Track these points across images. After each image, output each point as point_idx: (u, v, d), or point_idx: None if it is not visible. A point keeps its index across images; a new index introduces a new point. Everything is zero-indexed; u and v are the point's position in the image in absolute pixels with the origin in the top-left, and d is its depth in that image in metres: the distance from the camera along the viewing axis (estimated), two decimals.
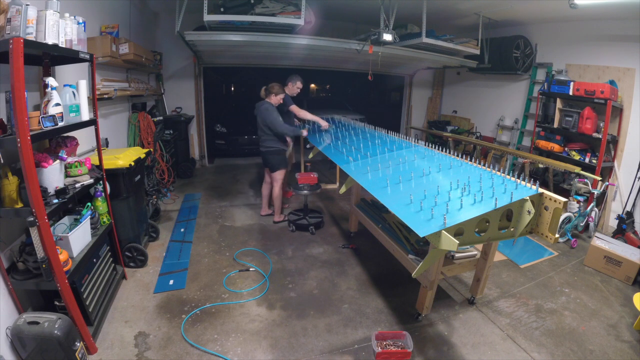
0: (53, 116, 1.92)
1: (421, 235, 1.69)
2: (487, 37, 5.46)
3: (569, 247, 3.89)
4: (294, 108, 4.22)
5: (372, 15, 4.77)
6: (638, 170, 4.01)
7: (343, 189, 3.30)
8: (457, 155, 2.74)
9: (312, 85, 14.31)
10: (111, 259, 2.75)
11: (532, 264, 3.51)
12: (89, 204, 2.49)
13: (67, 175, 2.21)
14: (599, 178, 3.97)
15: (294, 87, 4.22)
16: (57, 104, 1.96)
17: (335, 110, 7.16)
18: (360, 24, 6.17)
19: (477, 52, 5.35)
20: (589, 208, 3.95)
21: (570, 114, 4.55)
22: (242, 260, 3.39)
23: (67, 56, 2.08)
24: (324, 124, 4.11)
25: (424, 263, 1.99)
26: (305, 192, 4.00)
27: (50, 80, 1.95)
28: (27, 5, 1.68)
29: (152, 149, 4.55)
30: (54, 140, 2.33)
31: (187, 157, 6.30)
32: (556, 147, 4.75)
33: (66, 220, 2.32)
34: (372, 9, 4.61)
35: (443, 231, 1.67)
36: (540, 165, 4.67)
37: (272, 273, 3.19)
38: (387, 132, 3.73)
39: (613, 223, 4.27)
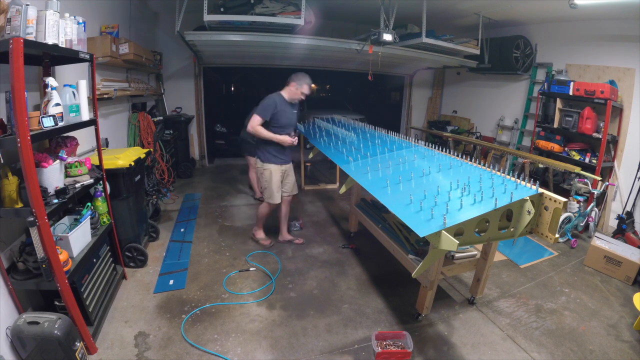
0: (53, 116, 1.91)
1: (421, 235, 1.68)
2: (487, 37, 5.47)
3: (569, 247, 3.89)
4: (255, 120, 3.10)
5: (372, 15, 4.77)
6: (638, 170, 4.01)
7: (343, 189, 3.30)
8: (457, 155, 2.73)
9: (312, 85, 14.31)
10: (111, 259, 2.75)
11: (532, 264, 3.51)
12: (89, 204, 2.49)
13: (67, 175, 2.21)
14: (599, 178, 3.97)
15: (297, 90, 3.19)
16: (57, 104, 1.96)
17: (335, 110, 7.16)
18: (360, 24, 6.17)
19: (477, 52, 5.35)
20: (589, 208, 3.95)
21: (570, 114, 4.55)
22: (253, 261, 3.39)
23: (67, 56, 2.08)
24: (287, 140, 3.23)
25: (424, 263, 1.99)
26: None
27: (50, 80, 1.95)
28: (27, 5, 1.68)
29: (152, 149, 4.55)
30: (54, 140, 2.33)
31: (187, 157, 6.30)
32: (556, 147, 4.75)
33: (66, 220, 2.32)
34: (372, 9, 4.62)
35: (443, 231, 1.67)
36: (540, 165, 4.67)
37: (274, 273, 3.18)
38: (387, 132, 3.72)
39: (613, 223, 4.27)
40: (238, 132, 7.91)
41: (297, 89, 3.20)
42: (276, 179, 3.34)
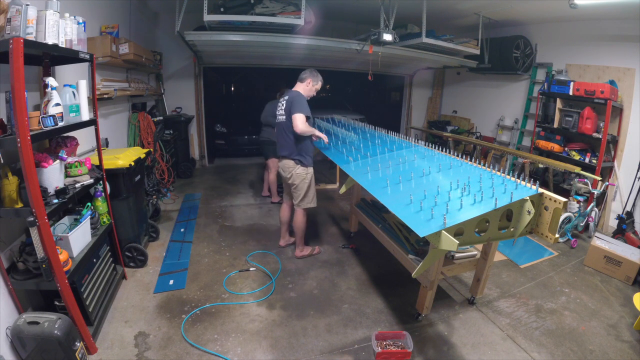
0: (53, 116, 1.91)
1: (421, 235, 1.69)
2: (487, 37, 5.46)
3: (569, 247, 3.89)
4: (303, 119, 2.96)
5: (372, 15, 4.77)
6: (638, 170, 4.01)
7: (343, 189, 3.30)
8: (457, 155, 2.74)
9: None
10: (111, 259, 2.75)
11: (532, 264, 3.51)
12: (89, 204, 2.49)
13: (67, 175, 2.21)
14: (599, 178, 3.97)
15: (313, 87, 3.17)
16: (57, 104, 1.96)
17: (335, 110, 7.16)
18: (360, 24, 6.17)
19: (477, 52, 5.35)
20: (589, 208, 3.95)
21: (570, 114, 4.55)
22: (253, 261, 3.39)
23: (67, 56, 2.08)
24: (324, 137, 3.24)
25: (424, 263, 1.99)
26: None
27: (50, 80, 1.95)
28: (27, 5, 1.68)
29: (152, 149, 4.55)
30: (54, 140, 2.33)
31: (187, 157, 6.30)
32: (556, 147, 4.75)
33: (66, 220, 2.32)
34: (372, 9, 4.61)
35: (443, 231, 1.67)
36: (540, 165, 4.67)
37: (274, 273, 3.18)
38: (387, 132, 3.72)
39: (613, 223, 4.27)
40: (238, 132, 7.98)
41: (313, 86, 3.15)
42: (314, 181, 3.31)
